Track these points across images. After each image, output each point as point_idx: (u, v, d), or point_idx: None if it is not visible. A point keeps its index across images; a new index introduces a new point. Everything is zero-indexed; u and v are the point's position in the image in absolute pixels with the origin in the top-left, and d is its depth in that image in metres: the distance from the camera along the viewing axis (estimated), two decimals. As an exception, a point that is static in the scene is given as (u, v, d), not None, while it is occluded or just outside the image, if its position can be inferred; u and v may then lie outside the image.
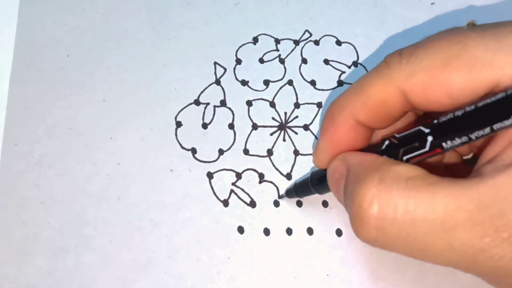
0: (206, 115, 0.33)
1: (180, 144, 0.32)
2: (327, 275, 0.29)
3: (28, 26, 0.35)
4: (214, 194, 0.31)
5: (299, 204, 0.31)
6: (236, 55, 0.35)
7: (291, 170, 0.32)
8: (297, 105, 0.33)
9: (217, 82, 0.34)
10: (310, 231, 0.30)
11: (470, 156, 0.27)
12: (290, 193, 0.30)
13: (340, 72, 0.34)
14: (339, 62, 0.35)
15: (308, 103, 0.33)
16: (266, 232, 0.30)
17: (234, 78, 0.34)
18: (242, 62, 0.34)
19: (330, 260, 0.30)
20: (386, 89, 0.21)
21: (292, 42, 0.35)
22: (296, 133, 0.33)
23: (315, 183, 0.27)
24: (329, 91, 0.34)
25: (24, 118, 0.33)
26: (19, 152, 0.32)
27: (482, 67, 0.19)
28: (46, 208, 0.31)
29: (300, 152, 0.32)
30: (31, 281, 0.29)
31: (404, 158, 0.22)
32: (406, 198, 0.19)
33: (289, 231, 0.30)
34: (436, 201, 0.19)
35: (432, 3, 0.36)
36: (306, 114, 0.33)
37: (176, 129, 0.33)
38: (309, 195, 0.29)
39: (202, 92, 0.34)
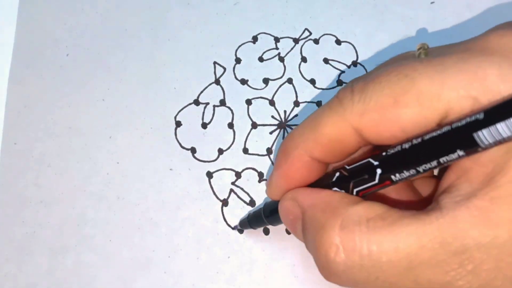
0: (206, 114, 0.33)
1: (180, 144, 0.32)
2: (327, 274, 0.29)
3: (27, 25, 0.35)
4: (214, 193, 0.31)
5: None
6: (235, 54, 0.35)
7: (291, 169, 0.32)
8: (296, 104, 0.33)
9: (217, 81, 0.34)
10: (309, 230, 0.30)
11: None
12: (244, 224, 0.30)
13: (339, 71, 0.34)
14: (339, 61, 0.35)
15: (308, 102, 0.33)
16: (266, 231, 0.30)
17: (233, 78, 0.34)
18: (241, 61, 0.34)
19: (329, 259, 0.29)
20: (340, 127, 0.21)
21: (291, 40, 0.35)
22: (295, 132, 0.33)
23: (267, 214, 0.27)
24: (329, 90, 0.34)
25: (23, 117, 0.33)
26: (19, 151, 0.32)
27: (430, 102, 0.19)
28: (46, 207, 0.31)
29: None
30: (31, 280, 0.29)
31: (355, 190, 0.22)
32: (369, 243, 0.19)
33: (288, 230, 0.30)
34: (399, 242, 0.19)
35: (432, 2, 0.36)
36: (306, 113, 0.33)
37: (175, 129, 0.33)
38: (262, 226, 0.29)
39: (201, 91, 0.34)
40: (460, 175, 0.19)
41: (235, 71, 0.34)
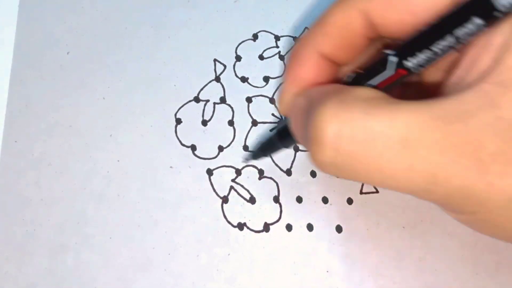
0: (206, 112, 0.33)
1: (180, 141, 0.32)
2: (327, 271, 0.29)
3: (28, 25, 0.35)
4: (214, 190, 0.31)
5: (299, 200, 0.31)
6: (236, 52, 0.35)
7: (291, 166, 0.31)
8: (297, 102, 0.33)
9: (217, 79, 0.34)
10: (310, 227, 0.30)
11: None
12: (256, 155, 0.29)
13: (340, 69, 0.34)
14: (339, 59, 0.34)
15: (308, 100, 0.33)
16: (266, 228, 0.30)
17: (234, 75, 0.34)
18: (242, 59, 0.34)
19: (330, 256, 0.29)
20: (347, 13, 0.21)
21: (292, 39, 0.35)
22: (296, 129, 0.33)
23: (281, 135, 0.26)
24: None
25: (24, 116, 0.33)
26: (19, 150, 0.32)
27: None
28: (46, 206, 0.31)
29: (300, 148, 0.32)
30: (31, 279, 0.29)
31: (369, 84, 0.21)
32: (365, 115, 0.18)
33: (289, 228, 0.30)
34: (397, 117, 0.17)
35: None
36: (306, 111, 0.33)
37: (176, 126, 0.33)
38: (276, 151, 0.28)
39: (201, 89, 0.34)
40: (468, 65, 0.19)
41: (236, 69, 0.34)
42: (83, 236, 0.30)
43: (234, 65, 0.34)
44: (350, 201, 0.30)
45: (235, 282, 0.29)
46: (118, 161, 0.32)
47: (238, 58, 0.34)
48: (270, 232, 0.30)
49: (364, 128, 0.18)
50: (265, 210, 0.30)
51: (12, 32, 0.35)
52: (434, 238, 0.30)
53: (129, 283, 0.29)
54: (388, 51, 0.20)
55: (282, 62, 0.34)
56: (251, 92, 0.34)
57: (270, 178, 0.31)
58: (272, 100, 0.33)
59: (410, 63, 0.19)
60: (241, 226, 0.30)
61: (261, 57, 0.35)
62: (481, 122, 0.17)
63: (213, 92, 0.33)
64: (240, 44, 0.35)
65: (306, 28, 0.35)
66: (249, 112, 0.33)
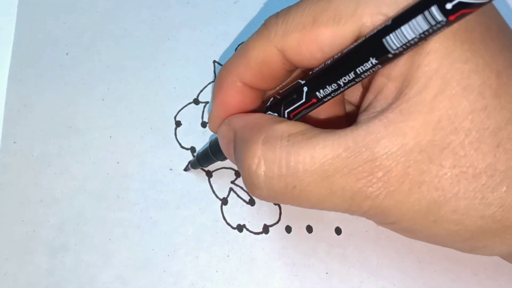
0: (206, 114, 0.33)
1: (180, 143, 0.32)
2: (326, 273, 0.29)
3: (27, 24, 0.35)
4: (213, 192, 0.31)
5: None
6: (235, 54, 0.35)
7: (291, 168, 0.32)
8: (296, 104, 0.33)
9: (216, 80, 0.34)
10: (309, 229, 0.30)
11: None
12: (194, 164, 0.31)
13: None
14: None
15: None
16: (265, 230, 0.30)
17: (233, 77, 0.34)
18: (241, 61, 0.34)
19: (329, 258, 0.30)
20: (266, 49, 0.23)
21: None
22: (295, 131, 0.33)
23: (213, 150, 0.28)
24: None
25: (23, 116, 0.33)
26: (18, 150, 0.32)
27: (345, 20, 0.20)
28: (46, 206, 0.31)
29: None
30: (31, 279, 0.29)
31: (286, 111, 0.23)
32: (288, 154, 0.21)
33: (288, 229, 0.30)
34: (315, 152, 0.20)
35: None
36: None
37: (175, 128, 0.33)
38: (211, 163, 0.30)
39: (201, 91, 0.34)
40: (376, 93, 0.21)
41: (235, 71, 0.34)
42: (83, 236, 0.30)
43: (233, 67, 0.34)
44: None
45: (235, 283, 0.29)
46: (118, 162, 0.32)
47: (238, 60, 0.34)
48: (270, 234, 0.30)
49: (289, 167, 0.21)
50: (265, 212, 0.31)
51: (11, 32, 0.35)
52: (432, 240, 0.30)
53: (129, 284, 0.29)
54: (301, 81, 0.23)
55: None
56: (250, 93, 0.34)
57: (270, 179, 0.31)
58: None
59: (320, 93, 0.22)
60: (240, 227, 0.30)
61: (260, 59, 0.35)
62: (386, 149, 0.19)
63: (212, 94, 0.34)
64: (239, 45, 0.35)
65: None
66: (248, 114, 0.33)
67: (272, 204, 0.31)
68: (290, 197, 0.21)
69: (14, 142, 0.32)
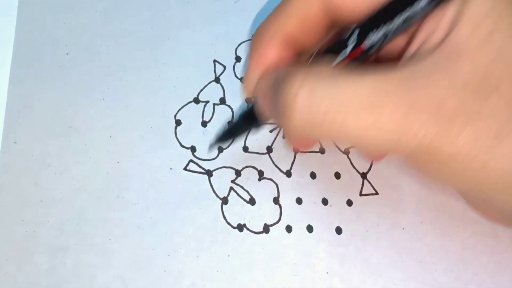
0: (206, 113, 0.33)
1: (180, 143, 0.32)
2: (327, 273, 0.29)
3: (27, 25, 0.35)
4: (214, 192, 0.31)
5: (299, 201, 0.31)
6: (235, 53, 0.35)
7: (291, 167, 0.31)
8: (296, 103, 0.33)
9: (217, 80, 0.34)
10: (309, 228, 0.30)
11: None
12: (222, 139, 0.30)
13: (339, 70, 0.34)
14: (339, 60, 0.34)
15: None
16: (266, 229, 0.30)
17: (233, 76, 0.34)
18: (241, 60, 0.34)
19: (330, 258, 0.29)
20: (308, 1, 0.22)
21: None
22: (295, 130, 0.33)
23: (246, 117, 0.27)
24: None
25: (23, 116, 0.33)
26: (19, 150, 0.32)
27: None
28: (46, 206, 0.31)
29: (301, 150, 0.32)
30: (31, 279, 0.29)
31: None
32: (332, 82, 0.19)
33: (288, 229, 0.30)
34: (362, 84, 0.19)
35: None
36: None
37: (175, 128, 0.33)
38: (242, 133, 0.29)
39: (201, 90, 0.34)
40: (424, 39, 0.20)
41: (235, 70, 0.34)
42: (83, 236, 0.30)
43: (234, 66, 0.34)
44: (349, 202, 0.30)
45: (235, 283, 0.29)
46: (118, 162, 0.32)
47: (238, 59, 0.34)
48: (270, 233, 0.30)
49: (333, 94, 0.19)
50: (265, 211, 0.30)
51: (12, 32, 0.35)
52: (434, 239, 0.30)
53: (129, 284, 0.29)
54: (346, 34, 0.22)
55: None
56: (251, 93, 0.34)
57: (270, 179, 0.31)
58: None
59: (367, 41, 0.21)
60: (240, 227, 0.30)
61: (261, 58, 0.34)
62: (439, 82, 0.19)
63: (213, 93, 0.33)
64: (240, 45, 0.35)
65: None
66: (249, 113, 0.33)
67: (272, 203, 0.31)
68: (327, 127, 0.20)
69: (15, 142, 0.32)
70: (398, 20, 0.20)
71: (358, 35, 0.21)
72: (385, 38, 0.21)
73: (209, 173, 0.31)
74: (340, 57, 0.22)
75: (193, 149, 0.32)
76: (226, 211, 0.30)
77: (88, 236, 0.30)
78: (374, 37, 0.21)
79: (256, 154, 0.32)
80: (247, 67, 0.25)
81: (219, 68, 0.34)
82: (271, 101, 0.22)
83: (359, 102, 0.19)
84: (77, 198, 0.31)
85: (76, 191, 0.31)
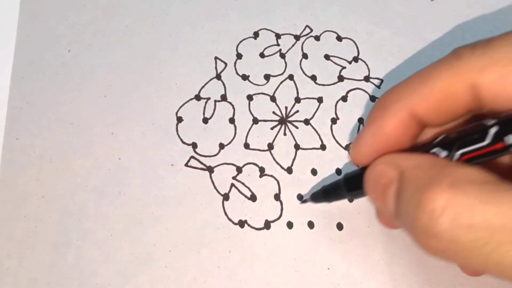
0: (207, 110, 0.33)
1: (181, 139, 0.32)
2: (328, 268, 0.29)
3: (29, 22, 0.36)
4: (215, 188, 0.31)
5: (300, 198, 0.31)
6: (236, 50, 0.35)
7: (292, 164, 0.32)
8: (297, 100, 0.33)
9: (218, 77, 0.34)
10: (311, 224, 0.30)
11: None
12: (316, 197, 0.28)
13: (340, 67, 0.34)
14: (340, 58, 0.35)
15: (309, 98, 0.33)
16: (267, 226, 0.30)
17: (234, 73, 0.34)
18: (242, 57, 0.35)
19: (331, 254, 0.30)
20: (455, 81, 0.20)
21: (292, 37, 0.35)
22: (296, 127, 0.33)
23: (349, 187, 0.25)
24: (330, 86, 0.34)
25: (25, 113, 0.33)
26: (21, 146, 0.32)
27: None
28: (47, 202, 0.31)
29: (300, 146, 0.32)
30: (32, 275, 0.29)
31: (460, 152, 0.20)
32: (484, 204, 0.17)
33: (289, 225, 0.30)
34: None
35: (432, 0, 0.36)
36: (307, 109, 0.33)
37: (177, 124, 0.33)
38: (340, 199, 0.27)
39: (202, 87, 0.34)
40: None
41: (236, 67, 0.34)
42: (84, 232, 0.30)
43: (235, 63, 0.34)
44: (351, 198, 0.31)
45: (236, 279, 0.29)
46: (120, 158, 0.32)
47: (239, 56, 0.34)
48: (271, 230, 0.30)
49: (484, 219, 0.17)
50: (266, 208, 0.31)
51: (14, 29, 0.35)
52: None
53: (130, 279, 0.29)
54: (488, 122, 0.19)
55: (282, 60, 0.35)
56: (252, 90, 0.34)
57: (271, 175, 0.31)
58: (273, 98, 0.33)
59: (510, 138, 0.19)
60: (242, 223, 0.30)
61: (262, 55, 0.35)
62: None
63: (214, 90, 0.34)
64: (241, 42, 0.35)
65: (307, 26, 0.35)
66: (250, 110, 0.33)
67: (273, 199, 0.31)
68: (476, 256, 0.17)
69: (17, 139, 0.32)
70: None
71: (496, 131, 0.19)
72: None
73: (210, 169, 0.32)
74: (471, 148, 0.20)
75: (194, 145, 0.32)
76: (227, 207, 0.31)
77: (89, 232, 0.30)
78: None
79: (257, 151, 0.32)
80: (361, 132, 0.23)
81: (220, 65, 0.34)
82: (392, 202, 0.21)
83: None
84: (79, 194, 0.31)
85: (78, 187, 0.31)
